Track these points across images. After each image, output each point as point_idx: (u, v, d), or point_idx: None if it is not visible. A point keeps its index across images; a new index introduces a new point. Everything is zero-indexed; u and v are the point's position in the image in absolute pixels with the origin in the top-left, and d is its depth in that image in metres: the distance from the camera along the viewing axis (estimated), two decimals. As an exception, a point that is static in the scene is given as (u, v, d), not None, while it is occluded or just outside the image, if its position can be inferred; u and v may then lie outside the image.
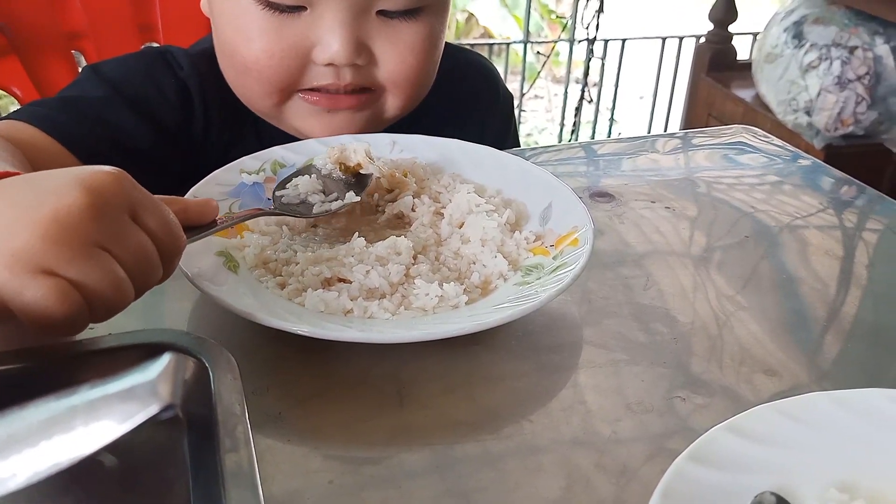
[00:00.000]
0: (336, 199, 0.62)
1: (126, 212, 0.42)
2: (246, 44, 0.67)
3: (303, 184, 0.62)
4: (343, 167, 0.64)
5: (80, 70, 1.00)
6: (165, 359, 0.36)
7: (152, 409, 0.33)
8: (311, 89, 0.69)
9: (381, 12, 0.67)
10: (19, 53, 0.97)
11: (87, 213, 0.40)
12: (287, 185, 0.62)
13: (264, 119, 0.74)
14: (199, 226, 0.51)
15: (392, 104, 0.72)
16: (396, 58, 0.68)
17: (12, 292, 0.38)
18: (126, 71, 0.72)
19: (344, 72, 0.67)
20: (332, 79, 0.68)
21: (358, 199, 0.62)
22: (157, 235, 0.43)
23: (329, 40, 0.65)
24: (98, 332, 0.48)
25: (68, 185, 0.41)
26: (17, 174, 0.44)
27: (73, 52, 1.00)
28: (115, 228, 0.41)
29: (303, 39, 0.66)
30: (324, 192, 0.62)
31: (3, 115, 0.73)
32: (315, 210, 0.61)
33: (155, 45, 1.04)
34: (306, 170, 0.64)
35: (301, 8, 0.65)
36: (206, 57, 0.74)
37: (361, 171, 0.64)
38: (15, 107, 0.79)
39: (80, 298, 0.39)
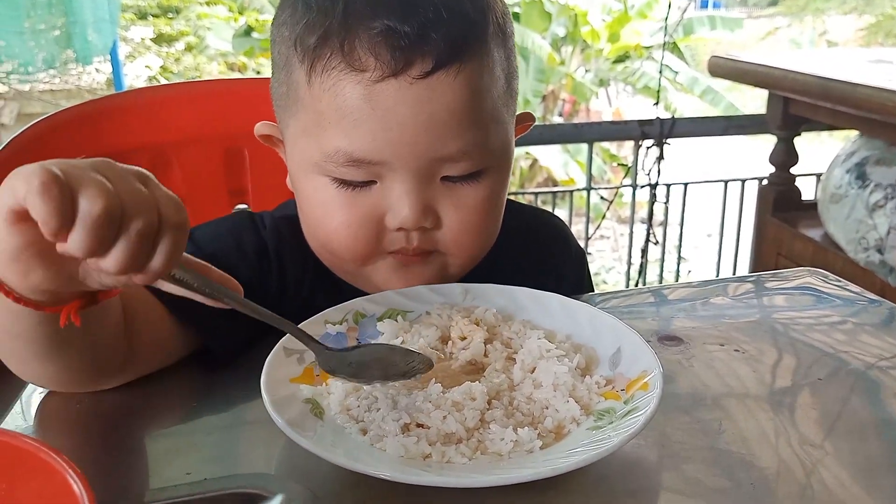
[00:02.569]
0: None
1: (135, 173, 0.50)
2: (326, 218, 0.73)
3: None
4: None
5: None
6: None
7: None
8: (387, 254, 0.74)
9: (445, 178, 0.72)
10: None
11: (98, 161, 0.48)
12: None
13: (345, 280, 0.80)
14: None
15: (455, 262, 0.76)
16: (460, 219, 0.73)
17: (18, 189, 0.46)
18: (213, 230, 0.79)
19: (412, 235, 0.72)
20: (403, 243, 0.73)
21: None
22: (160, 200, 0.49)
23: (399, 208, 0.70)
24: (195, 476, 0.51)
25: None
26: None
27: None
28: (119, 172, 0.49)
29: (375, 209, 0.72)
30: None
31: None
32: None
33: (245, 206, 1.13)
34: None
35: (372, 182, 0.71)
36: (288, 221, 0.81)
37: None
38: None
39: (57, 173, 0.45)
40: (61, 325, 0.53)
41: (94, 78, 5.94)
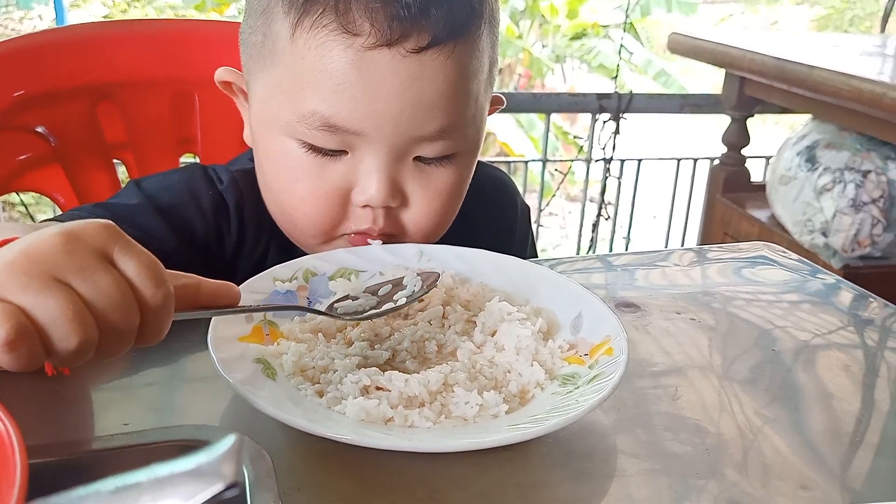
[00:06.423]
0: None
1: (99, 253, 0.44)
2: (291, 184, 0.70)
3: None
4: None
5: (119, 178, 1.05)
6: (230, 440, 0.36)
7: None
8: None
9: (416, 158, 0.70)
10: (62, 161, 1.01)
11: (56, 249, 0.42)
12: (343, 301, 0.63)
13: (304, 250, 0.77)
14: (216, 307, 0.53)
15: (413, 240, 0.74)
16: (426, 201, 0.71)
17: None
18: (165, 183, 0.75)
19: (378, 214, 0.70)
20: (368, 222, 0.70)
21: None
22: (133, 281, 0.44)
23: (367, 183, 0.68)
24: (132, 427, 0.48)
25: (52, 230, 0.43)
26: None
27: (114, 161, 1.04)
28: (83, 265, 0.42)
29: (343, 181, 0.69)
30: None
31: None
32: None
33: (193, 157, 1.09)
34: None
35: (343, 152, 0.68)
36: (246, 175, 0.77)
37: None
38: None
39: (27, 323, 0.40)
40: (49, 374, 0.50)
41: (35, 24, 5.70)
